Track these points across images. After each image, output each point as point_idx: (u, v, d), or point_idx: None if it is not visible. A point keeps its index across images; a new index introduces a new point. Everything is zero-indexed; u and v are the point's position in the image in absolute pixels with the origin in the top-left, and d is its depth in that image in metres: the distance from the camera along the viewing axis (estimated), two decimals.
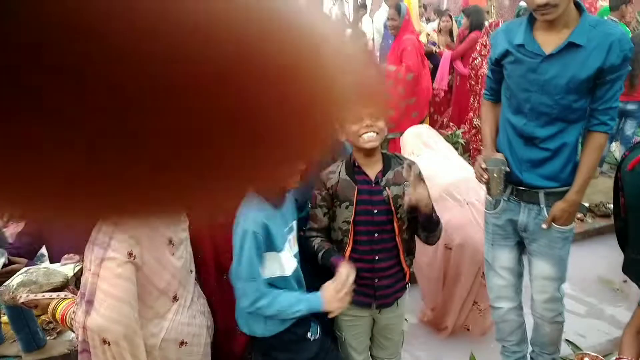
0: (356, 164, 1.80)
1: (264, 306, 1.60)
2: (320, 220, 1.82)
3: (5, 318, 2.55)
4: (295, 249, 1.77)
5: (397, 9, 3.93)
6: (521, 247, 2.00)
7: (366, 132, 1.71)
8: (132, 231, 1.38)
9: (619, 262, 3.06)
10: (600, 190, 4.03)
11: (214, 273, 1.91)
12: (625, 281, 3.05)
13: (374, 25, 5.95)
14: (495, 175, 1.84)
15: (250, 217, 1.59)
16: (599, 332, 2.56)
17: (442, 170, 2.56)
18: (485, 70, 3.50)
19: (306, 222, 1.89)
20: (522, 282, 2.09)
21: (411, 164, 1.87)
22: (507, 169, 1.84)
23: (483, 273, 2.34)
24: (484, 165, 1.88)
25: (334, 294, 1.61)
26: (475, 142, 3.89)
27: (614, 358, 2.14)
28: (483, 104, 2.07)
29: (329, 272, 1.75)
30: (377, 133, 1.72)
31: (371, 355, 2.14)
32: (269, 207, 1.63)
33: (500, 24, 3.64)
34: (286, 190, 1.69)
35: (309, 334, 1.75)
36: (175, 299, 1.54)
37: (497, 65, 1.88)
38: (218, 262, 1.92)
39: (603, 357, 2.10)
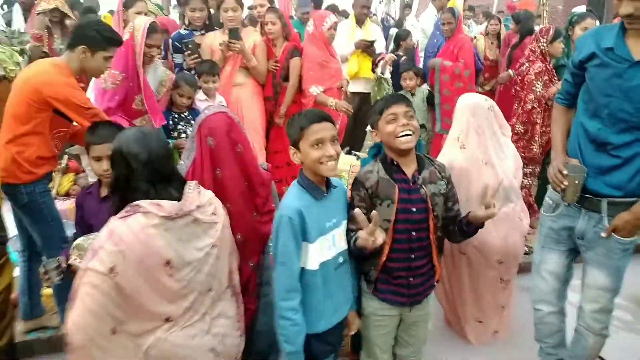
0: (395, 163, 1.82)
1: (284, 311, 1.63)
2: (360, 221, 1.79)
3: (47, 290, 2.69)
4: (341, 246, 1.77)
5: (452, 12, 4.22)
6: (573, 254, 1.96)
7: (402, 132, 1.73)
8: (123, 245, 1.34)
9: None
10: None
11: None
12: None
13: (420, 24, 5.87)
14: (576, 182, 1.81)
15: (289, 203, 1.64)
16: (631, 351, 2.45)
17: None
18: (531, 76, 3.48)
19: None
20: (567, 289, 2.05)
21: (443, 166, 1.94)
22: (585, 175, 1.81)
23: (502, 278, 2.36)
24: (565, 172, 1.85)
25: None
26: (517, 148, 3.79)
27: None
28: (555, 108, 2.07)
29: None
30: (413, 133, 1.74)
31: (393, 353, 2.14)
32: (309, 196, 1.67)
33: (551, 30, 3.52)
34: (326, 181, 1.71)
35: None
36: (167, 320, 1.45)
37: (580, 68, 1.86)
38: None
39: None
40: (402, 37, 5.27)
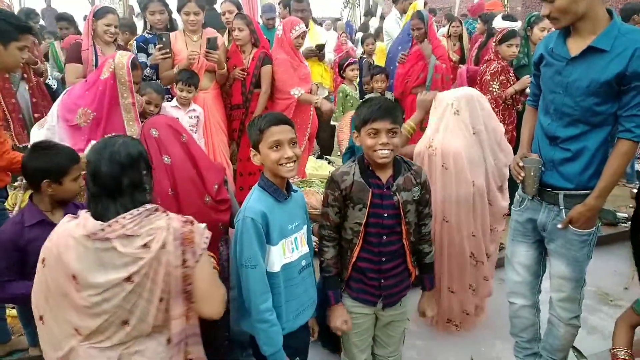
0: (370, 168, 1.84)
1: (261, 314, 1.64)
2: (331, 219, 1.88)
3: (12, 312, 2.58)
4: (304, 249, 1.78)
5: (421, 17, 4.27)
6: (542, 247, 2.03)
7: (381, 150, 1.76)
8: (51, 243, 1.38)
9: (621, 272, 3.05)
10: (608, 199, 4.01)
11: None
12: (626, 288, 3.05)
13: (385, 28, 6.00)
14: (532, 173, 1.90)
15: (251, 205, 1.65)
16: (593, 342, 2.53)
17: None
18: (487, 76, 3.62)
19: None
20: (540, 282, 2.11)
21: (420, 170, 1.94)
22: (543, 168, 1.90)
23: (472, 254, 2.41)
24: (521, 164, 1.94)
25: None
26: None
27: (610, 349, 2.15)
28: (526, 109, 2.16)
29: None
30: (392, 150, 1.78)
31: (372, 353, 2.16)
32: (271, 199, 1.68)
33: (504, 31, 3.65)
34: (286, 185, 1.73)
35: None
36: (78, 332, 1.39)
37: (537, 69, 1.97)
38: None
39: None
40: (365, 41, 5.49)
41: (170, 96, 3.46)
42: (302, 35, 3.67)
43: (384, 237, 1.85)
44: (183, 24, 3.46)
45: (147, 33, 3.56)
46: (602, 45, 1.67)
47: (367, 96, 4.14)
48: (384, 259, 1.88)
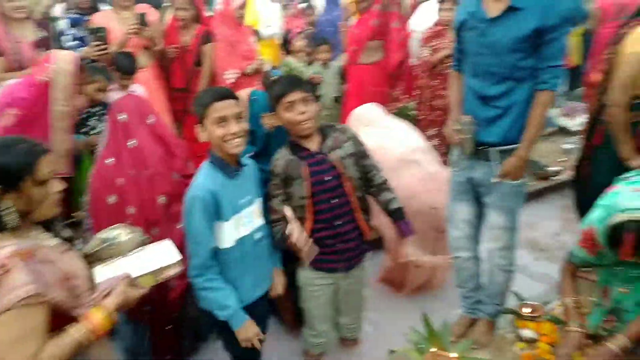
0: (298, 143, 1.91)
1: (200, 284, 1.69)
2: (278, 211, 1.93)
3: None
4: (257, 223, 1.82)
5: None
6: (479, 202, 2.15)
7: (302, 120, 1.83)
8: None
9: (552, 223, 3.30)
10: (540, 154, 4.30)
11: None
12: (558, 235, 3.32)
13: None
14: (467, 135, 2.00)
15: (199, 183, 1.66)
16: (530, 286, 2.74)
17: (393, 141, 2.69)
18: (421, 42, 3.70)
19: None
20: (479, 234, 2.25)
21: (345, 127, 2.05)
22: (476, 127, 1.99)
23: (437, 228, 2.53)
24: (456, 127, 2.04)
25: (251, 333, 1.74)
26: (419, 113, 4.04)
27: (555, 302, 2.38)
28: (451, 75, 2.23)
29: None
30: (311, 119, 1.84)
31: (336, 323, 2.27)
32: (221, 175, 1.69)
33: None
34: (238, 160, 1.74)
35: None
36: None
37: (458, 34, 2.05)
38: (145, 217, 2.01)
39: (542, 304, 2.33)
40: (305, 12, 5.42)
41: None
42: (242, 5, 3.60)
43: (332, 200, 1.92)
44: (114, 1, 3.30)
45: (74, 12, 3.36)
46: (518, 3, 1.78)
47: (309, 67, 4.15)
48: (337, 222, 1.95)
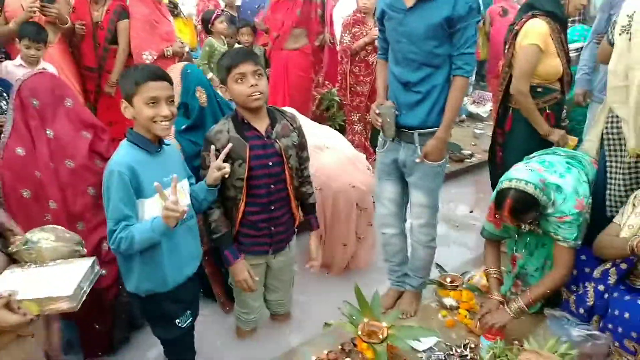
0: (245, 121, 1.86)
1: (121, 238, 1.57)
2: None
3: None
4: (184, 201, 1.72)
5: None
6: (403, 181, 2.26)
7: (252, 93, 1.79)
8: None
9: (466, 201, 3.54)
10: (455, 138, 4.59)
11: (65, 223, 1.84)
12: (471, 211, 3.59)
13: None
14: (388, 119, 2.08)
15: (118, 159, 1.59)
16: (452, 259, 2.94)
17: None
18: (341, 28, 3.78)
19: None
20: (405, 212, 2.36)
21: (294, 116, 2.03)
22: (397, 112, 2.08)
23: (357, 205, 2.63)
24: (377, 111, 2.12)
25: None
26: (346, 97, 4.13)
27: (473, 273, 2.57)
28: (377, 63, 2.32)
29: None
30: (262, 92, 1.81)
31: (265, 300, 2.27)
32: (141, 152, 1.62)
33: None
34: (157, 139, 1.67)
35: (178, 321, 1.78)
36: None
37: (381, 24, 2.13)
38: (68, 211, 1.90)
39: (461, 274, 2.51)
40: None
41: (3, 54, 2.99)
42: None
43: (272, 186, 1.92)
44: None
45: None
46: None
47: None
48: (273, 207, 1.96)
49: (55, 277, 1.40)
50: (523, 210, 1.88)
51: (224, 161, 1.83)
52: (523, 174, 1.92)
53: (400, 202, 2.31)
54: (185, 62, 2.36)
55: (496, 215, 2.04)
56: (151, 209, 1.62)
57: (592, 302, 1.94)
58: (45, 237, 1.43)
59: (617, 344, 1.81)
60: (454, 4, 1.87)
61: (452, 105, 2.01)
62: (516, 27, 2.46)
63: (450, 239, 3.28)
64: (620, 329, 1.79)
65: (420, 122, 2.06)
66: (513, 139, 2.57)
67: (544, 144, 2.42)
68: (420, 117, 2.05)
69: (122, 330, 2.18)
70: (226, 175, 1.82)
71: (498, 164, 2.70)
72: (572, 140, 2.51)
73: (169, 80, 1.63)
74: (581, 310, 1.99)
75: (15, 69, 2.71)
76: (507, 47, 2.55)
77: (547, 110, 2.47)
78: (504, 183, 1.94)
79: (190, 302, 1.86)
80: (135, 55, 3.33)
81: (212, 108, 2.21)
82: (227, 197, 1.93)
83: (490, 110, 5.49)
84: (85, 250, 1.56)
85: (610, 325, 1.85)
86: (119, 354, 2.18)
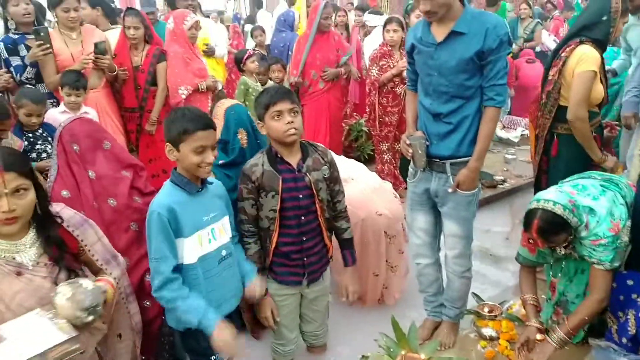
0: (278, 155, 1.94)
1: (165, 297, 1.66)
2: (248, 212, 1.98)
3: None
4: (223, 240, 1.80)
5: (328, 6, 4.27)
6: (436, 211, 2.26)
7: (288, 130, 1.87)
8: None
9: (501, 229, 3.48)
10: (487, 164, 4.54)
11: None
12: (507, 238, 3.51)
13: (274, 20, 6.10)
14: (418, 149, 2.11)
15: (159, 200, 1.67)
16: (489, 288, 2.92)
17: None
18: (367, 62, 3.95)
19: None
20: (439, 242, 2.36)
21: (326, 151, 2.09)
22: (427, 143, 2.11)
23: (386, 232, 2.64)
24: (408, 142, 2.15)
25: (227, 337, 1.67)
26: (371, 129, 4.21)
27: (510, 302, 2.51)
28: (407, 94, 2.38)
29: None
30: (297, 129, 1.90)
31: (301, 331, 2.28)
32: (181, 193, 1.69)
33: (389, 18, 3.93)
34: (199, 179, 1.74)
35: (214, 358, 1.79)
36: None
37: (410, 57, 2.18)
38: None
39: (499, 304, 2.46)
40: (254, 34, 5.53)
41: (55, 100, 3.20)
42: (195, 26, 3.63)
43: (302, 218, 1.98)
44: (58, 21, 3.18)
45: (13, 33, 3.12)
46: (461, 29, 1.93)
47: (264, 86, 4.21)
48: (304, 238, 2.01)
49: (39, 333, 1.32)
50: (551, 231, 1.86)
51: (257, 194, 1.92)
52: (552, 195, 1.92)
53: (433, 232, 2.31)
54: (234, 102, 2.45)
55: (529, 240, 2.02)
56: (190, 248, 1.68)
57: (634, 331, 1.87)
58: (64, 293, 1.36)
59: None
60: (485, 37, 1.90)
61: (484, 135, 2.02)
62: (563, 54, 2.48)
63: (487, 268, 3.22)
64: None
65: (452, 152, 2.08)
66: (559, 164, 2.58)
67: (589, 169, 2.40)
68: (451, 147, 2.07)
69: None
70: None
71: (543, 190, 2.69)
72: (620, 167, 2.48)
73: (214, 127, 1.72)
74: (624, 340, 1.91)
75: (59, 116, 2.85)
76: (551, 72, 2.56)
77: (593, 134, 2.47)
78: (532, 204, 1.93)
79: None
80: (171, 91, 3.51)
81: (252, 148, 2.30)
82: (261, 228, 2.01)
83: (522, 134, 5.44)
84: (91, 318, 1.40)
85: None
86: None
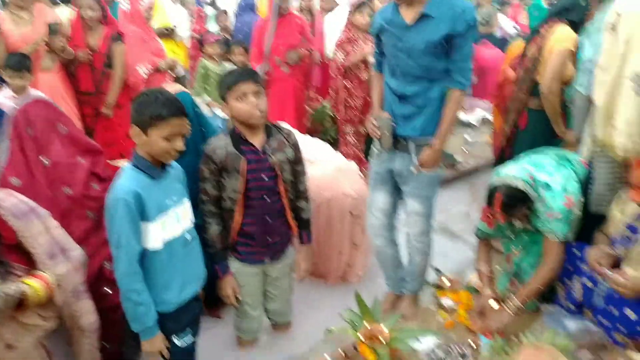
0: (242, 137, 1.94)
1: (124, 293, 1.64)
2: (210, 193, 1.97)
3: None
4: (186, 223, 1.79)
5: None
6: (396, 192, 2.30)
7: (254, 111, 1.87)
8: None
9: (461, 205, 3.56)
10: (447, 146, 4.65)
11: None
12: (467, 215, 3.64)
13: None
14: (385, 131, 2.14)
15: (123, 185, 1.60)
16: (449, 262, 2.99)
17: None
18: (334, 47, 3.89)
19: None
20: (396, 221, 2.42)
21: (290, 132, 2.11)
22: (394, 124, 2.14)
23: (351, 212, 2.68)
24: (375, 123, 2.18)
25: (156, 347, 1.72)
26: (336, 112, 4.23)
27: (470, 275, 2.61)
28: (373, 76, 2.40)
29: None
30: (262, 111, 1.90)
31: (265, 310, 2.30)
32: (144, 177, 1.65)
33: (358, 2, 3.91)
34: (163, 163, 1.70)
35: (175, 338, 1.79)
36: None
37: (377, 39, 2.20)
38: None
39: (459, 276, 2.56)
40: (218, 18, 5.40)
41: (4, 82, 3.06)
42: (151, 6, 3.55)
43: (267, 199, 2.00)
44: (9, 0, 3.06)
45: None
46: (431, 12, 1.97)
47: (224, 66, 4.15)
48: (268, 219, 2.03)
49: None
50: (513, 205, 1.95)
51: (219, 175, 1.90)
52: (512, 170, 2.00)
53: (390, 212, 2.36)
54: (179, 89, 2.38)
55: (489, 214, 2.10)
56: (155, 232, 1.65)
57: (580, 297, 1.99)
58: None
59: (607, 337, 1.85)
60: (454, 21, 1.94)
61: (448, 117, 2.07)
62: (542, 31, 2.59)
63: (447, 243, 3.33)
64: (609, 323, 1.84)
65: (417, 133, 2.12)
66: (525, 137, 2.71)
67: (552, 143, 2.54)
68: (416, 128, 2.12)
69: (132, 349, 2.19)
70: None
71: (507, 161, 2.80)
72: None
73: (187, 114, 1.65)
74: (571, 305, 2.04)
75: (5, 101, 2.68)
76: (530, 49, 2.66)
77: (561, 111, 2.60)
78: (494, 179, 2.01)
79: (191, 322, 1.86)
80: (130, 69, 3.42)
81: (195, 138, 2.17)
82: (224, 209, 2.01)
83: (482, 117, 5.59)
84: None
85: (600, 318, 1.89)
86: None
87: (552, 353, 1.66)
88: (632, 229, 1.85)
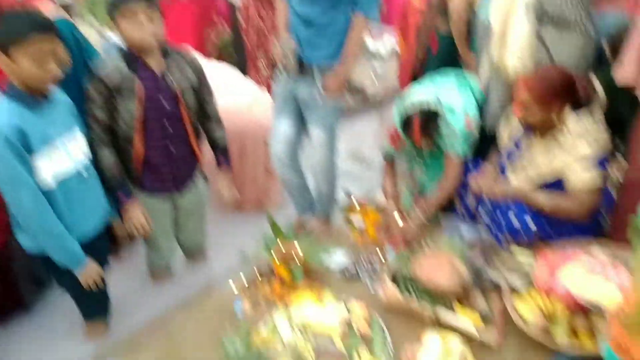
0: (139, 60, 1.79)
1: (39, 229, 1.55)
2: (99, 118, 1.80)
3: None
4: (78, 158, 1.66)
5: None
6: (300, 120, 2.28)
7: (142, 36, 1.71)
8: None
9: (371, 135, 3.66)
10: (356, 77, 4.69)
11: None
12: (375, 142, 3.77)
13: None
14: (289, 56, 2.09)
15: (1, 120, 1.44)
16: (359, 186, 3.15)
17: None
18: None
19: None
20: (301, 149, 2.43)
21: (192, 57, 1.98)
22: (298, 49, 2.10)
23: (265, 141, 2.66)
24: (279, 47, 2.13)
25: (94, 274, 1.69)
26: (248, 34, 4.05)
27: (378, 195, 2.74)
28: (279, 1, 2.29)
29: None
30: (153, 36, 1.74)
31: (179, 243, 2.26)
32: (21, 108, 1.48)
33: None
34: (43, 90, 1.54)
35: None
36: None
37: None
38: None
39: (367, 197, 2.68)
40: None
41: None
42: None
43: (168, 126, 1.88)
44: None
45: None
46: None
47: None
48: (171, 147, 1.92)
49: None
50: (428, 125, 2.03)
51: (113, 98, 1.75)
52: (422, 94, 2.07)
53: (295, 140, 2.37)
54: (58, 16, 2.06)
55: (395, 136, 2.18)
56: (44, 166, 1.51)
57: (473, 206, 2.20)
58: None
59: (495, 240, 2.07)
60: None
61: (352, 42, 2.06)
62: None
63: (356, 167, 3.46)
64: (496, 228, 2.04)
65: (321, 58, 2.09)
66: (436, 61, 2.74)
67: (459, 67, 2.61)
68: (320, 53, 2.09)
69: (31, 285, 2.08)
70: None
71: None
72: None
73: (57, 33, 1.46)
74: (466, 215, 2.24)
75: None
76: None
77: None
78: (407, 108, 2.06)
79: (101, 259, 1.80)
80: None
81: (76, 69, 1.92)
82: (119, 137, 1.85)
83: (392, 49, 5.66)
84: None
85: (489, 223, 2.10)
86: (34, 312, 2.08)
87: (449, 257, 1.82)
88: (516, 144, 2.04)
